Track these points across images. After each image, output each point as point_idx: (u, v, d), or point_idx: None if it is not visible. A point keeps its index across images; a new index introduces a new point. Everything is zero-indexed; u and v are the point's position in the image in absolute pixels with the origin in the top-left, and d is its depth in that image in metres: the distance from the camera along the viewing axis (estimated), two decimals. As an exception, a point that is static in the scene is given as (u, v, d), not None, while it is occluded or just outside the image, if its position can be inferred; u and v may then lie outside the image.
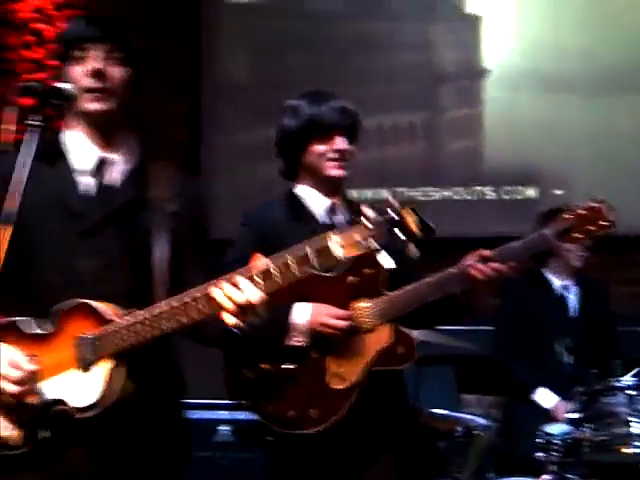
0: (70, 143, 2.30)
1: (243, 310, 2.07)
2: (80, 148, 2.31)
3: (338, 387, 2.78)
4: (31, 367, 2.02)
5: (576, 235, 2.88)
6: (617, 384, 3.57)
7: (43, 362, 2.06)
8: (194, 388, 4.05)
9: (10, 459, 2.07)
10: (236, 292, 2.08)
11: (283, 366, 2.79)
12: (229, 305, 2.07)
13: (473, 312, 3.04)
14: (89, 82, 2.15)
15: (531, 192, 5.13)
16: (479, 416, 3.82)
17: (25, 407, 2.04)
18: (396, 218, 2.23)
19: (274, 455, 2.86)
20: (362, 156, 2.97)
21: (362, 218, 2.11)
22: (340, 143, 2.85)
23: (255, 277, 2.07)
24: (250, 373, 2.80)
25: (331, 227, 2.81)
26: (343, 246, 2.06)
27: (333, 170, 2.86)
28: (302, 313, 2.80)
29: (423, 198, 5.07)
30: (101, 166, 2.32)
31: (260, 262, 2.09)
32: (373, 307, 2.85)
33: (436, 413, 3.81)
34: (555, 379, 4.02)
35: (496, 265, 2.83)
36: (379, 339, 2.83)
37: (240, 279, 2.06)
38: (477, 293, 2.93)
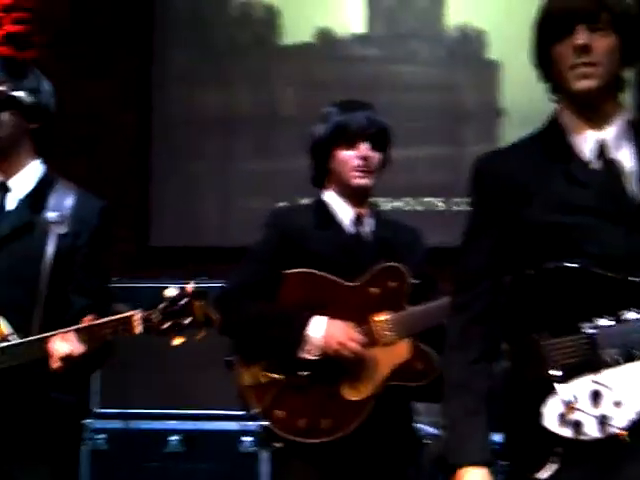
0: None
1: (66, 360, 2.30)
2: None
3: (352, 399, 2.73)
4: None
5: None
6: None
7: None
8: (144, 398, 4.32)
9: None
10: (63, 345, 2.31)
11: (297, 374, 2.75)
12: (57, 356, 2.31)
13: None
14: None
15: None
16: (428, 425, 3.72)
17: None
18: (181, 304, 2.34)
19: (281, 462, 2.84)
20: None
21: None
22: (364, 150, 2.82)
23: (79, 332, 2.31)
24: (264, 378, 2.77)
25: (357, 237, 2.87)
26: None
27: (357, 179, 2.84)
28: (318, 327, 2.73)
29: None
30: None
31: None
32: (393, 320, 2.78)
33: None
34: None
35: None
36: (397, 353, 2.76)
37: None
38: None
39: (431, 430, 3.70)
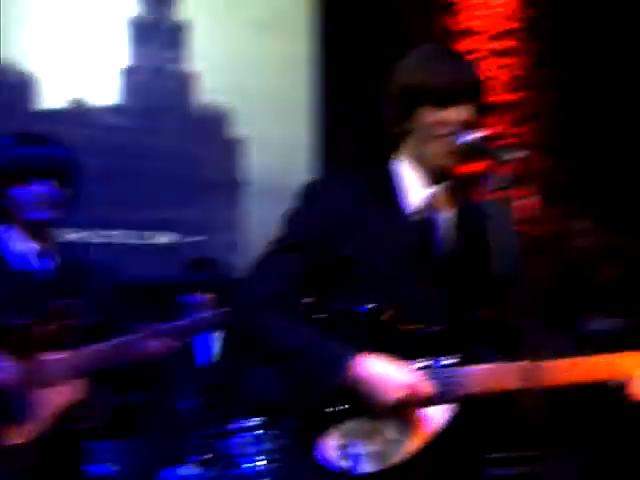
0: None
1: None
2: None
3: (16, 442, 2.61)
4: None
5: None
6: (242, 425, 3.64)
7: None
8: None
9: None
10: None
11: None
12: None
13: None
14: None
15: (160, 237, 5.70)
16: (101, 465, 3.79)
17: None
18: None
19: None
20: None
21: None
22: (40, 187, 2.76)
23: None
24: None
25: (31, 274, 2.79)
26: None
27: (35, 214, 2.79)
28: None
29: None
30: None
31: None
32: (60, 360, 2.68)
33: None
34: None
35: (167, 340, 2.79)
36: (65, 394, 2.67)
37: None
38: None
39: (105, 469, 3.80)
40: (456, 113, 2.19)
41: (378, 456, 2.08)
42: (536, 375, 2.06)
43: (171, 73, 6.01)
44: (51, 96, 5.71)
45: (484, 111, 2.26)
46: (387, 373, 2.06)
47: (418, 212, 2.24)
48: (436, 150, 2.21)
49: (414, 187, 2.25)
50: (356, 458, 2.07)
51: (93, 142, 5.65)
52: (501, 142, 2.24)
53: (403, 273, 2.18)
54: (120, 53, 5.88)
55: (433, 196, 2.25)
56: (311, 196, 2.27)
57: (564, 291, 4.36)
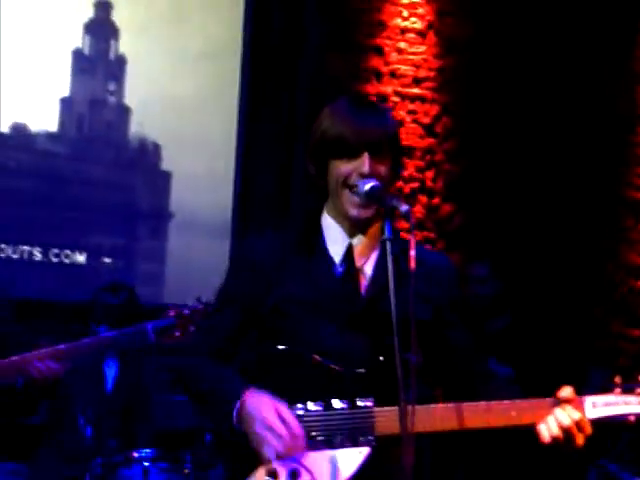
0: None
1: None
2: None
3: None
4: None
5: (178, 334, 2.95)
6: (135, 456, 3.62)
7: None
8: None
9: None
10: None
11: None
12: None
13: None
14: None
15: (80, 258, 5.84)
16: None
17: None
18: None
19: None
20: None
21: None
22: None
23: None
24: None
25: None
26: None
27: None
28: None
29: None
30: None
31: None
32: None
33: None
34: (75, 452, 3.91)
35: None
36: None
37: None
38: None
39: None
40: (358, 164, 2.28)
41: None
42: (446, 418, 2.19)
43: (109, 104, 6.23)
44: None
45: (397, 157, 2.36)
46: (262, 414, 2.10)
47: (340, 263, 2.33)
48: (344, 200, 2.32)
49: (336, 238, 2.37)
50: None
51: (32, 167, 5.92)
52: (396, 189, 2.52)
53: (324, 320, 2.27)
54: (61, 83, 6.08)
55: (353, 246, 2.36)
56: (243, 250, 2.43)
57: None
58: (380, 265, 2.34)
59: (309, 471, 2.09)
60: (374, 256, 2.37)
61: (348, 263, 2.34)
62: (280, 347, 2.26)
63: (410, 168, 6.58)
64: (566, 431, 2.22)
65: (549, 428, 2.23)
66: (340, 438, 2.16)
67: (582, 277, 6.64)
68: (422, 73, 6.70)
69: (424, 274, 2.24)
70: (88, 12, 6.11)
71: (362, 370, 2.22)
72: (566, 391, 2.29)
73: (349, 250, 2.35)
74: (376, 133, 2.29)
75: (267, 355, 2.27)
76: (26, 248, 5.70)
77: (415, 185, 6.63)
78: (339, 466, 2.12)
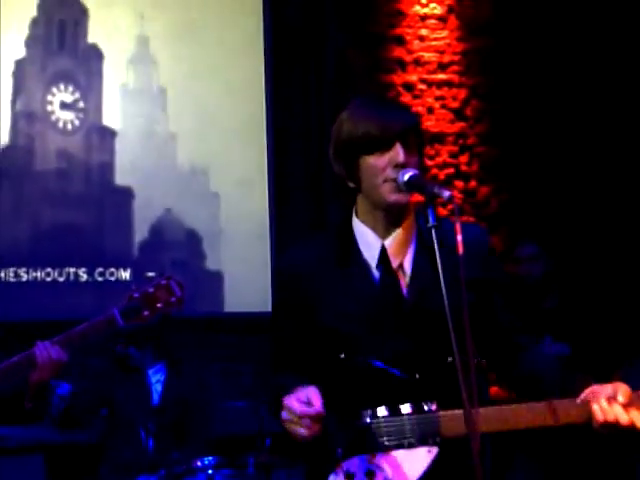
0: None
1: None
2: None
3: None
4: None
5: (147, 314, 2.86)
6: (197, 465, 3.59)
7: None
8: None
9: None
10: None
11: None
12: None
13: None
14: None
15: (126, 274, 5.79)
16: None
17: None
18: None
19: None
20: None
21: None
22: None
23: None
24: None
25: None
26: None
27: None
28: None
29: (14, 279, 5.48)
30: None
31: None
32: None
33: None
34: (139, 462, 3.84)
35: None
36: None
37: None
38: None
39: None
40: (391, 155, 2.28)
41: None
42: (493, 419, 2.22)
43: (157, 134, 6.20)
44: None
45: (422, 148, 2.37)
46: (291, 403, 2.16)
47: (376, 266, 2.33)
48: (382, 191, 2.30)
49: (369, 243, 2.35)
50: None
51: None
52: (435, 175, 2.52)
53: (373, 329, 2.27)
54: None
55: (388, 247, 2.35)
56: (281, 266, 2.49)
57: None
58: (418, 259, 2.34)
59: (383, 470, 2.16)
60: (410, 251, 2.36)
61: (384, 266, 2.34)
62: (341, 356, 2.30)
63: (444, 154, 6.57)
64: (619, 410, 2.22)
65: (602, 408, 2.23)
66: (408, 441, 2.21)
67: (630, 256, 6.47)
68: (446, 58, 6.70)
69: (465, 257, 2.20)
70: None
71: (420, 374, 2.25)
72: (622, 388, 2.27)
73: (383, 252, 2.34)
74: (403, 123, 2.31)
75: (330, 364, 2.32)
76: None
77: (450, 171, 6.59)
78: (410, 465, 2.19)
